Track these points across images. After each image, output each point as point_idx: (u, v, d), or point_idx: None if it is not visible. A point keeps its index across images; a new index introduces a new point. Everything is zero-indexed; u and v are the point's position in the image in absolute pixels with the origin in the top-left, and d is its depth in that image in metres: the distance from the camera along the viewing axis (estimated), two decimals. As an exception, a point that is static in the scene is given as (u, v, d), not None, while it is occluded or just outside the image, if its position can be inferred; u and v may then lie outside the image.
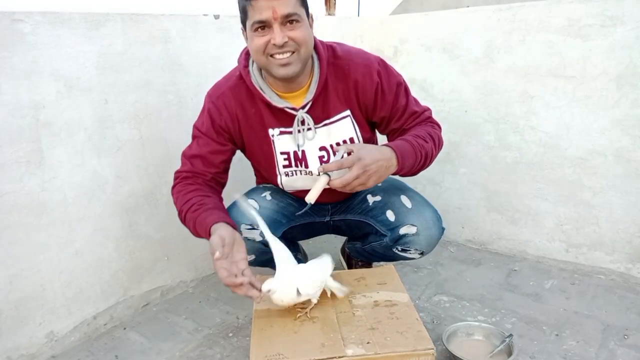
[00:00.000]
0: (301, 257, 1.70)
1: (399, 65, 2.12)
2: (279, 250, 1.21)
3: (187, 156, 1.35)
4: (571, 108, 1.73)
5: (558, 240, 1.88)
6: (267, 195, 1.47)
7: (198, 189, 1.29)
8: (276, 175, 1.40)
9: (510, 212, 1.97)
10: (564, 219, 1.85)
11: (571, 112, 1.74)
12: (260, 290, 1.12)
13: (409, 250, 1.41)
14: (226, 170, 1.39)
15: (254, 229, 1.34)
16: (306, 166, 1.36)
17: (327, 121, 1.32)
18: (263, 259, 1.38)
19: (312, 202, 1.18)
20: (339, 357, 1.03)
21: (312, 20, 1.24)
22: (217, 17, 1.72)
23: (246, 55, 1.31)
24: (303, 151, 1.34)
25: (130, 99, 1.53)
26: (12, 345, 1.36)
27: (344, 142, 1.33)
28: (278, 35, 1.14)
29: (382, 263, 1.67)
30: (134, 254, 1.63)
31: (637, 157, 1.64)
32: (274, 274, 1.18)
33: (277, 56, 1.17)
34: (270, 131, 1.32)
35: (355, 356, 1.03)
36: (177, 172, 1.35)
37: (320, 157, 1.34)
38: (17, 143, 1.30)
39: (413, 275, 1.86)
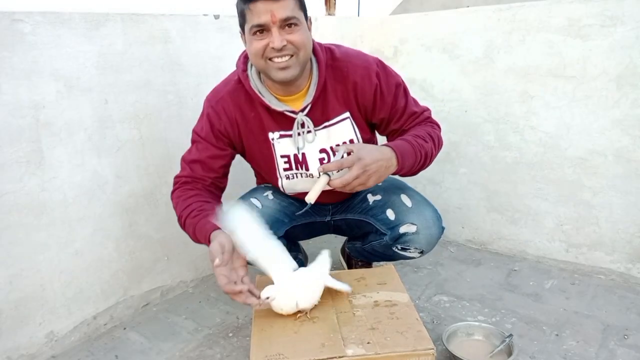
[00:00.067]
0: (302, 257, 1.70)
1: (398, 66, 2.12)
2: (273, 257, 1.19)
3: (186, 161, 1.35)
4: (571, 108, 1.73)
5: (558, 240, 1.88)
6: (269, 194, 1.47)
7: (198, 194, 1.30)
8: (277, 179, 1.40)
9: (510, 212, 1.97)
10: (564, 219, 1.84)
11: (571, 112, 1.74)
12: (259, 297, 1.13)
13: (409, 249, 1.41)
14: (225, 175, 1.39)
15: None
16: (307, 169, 1.36)
17: (326, 123, 1.32)
18: None
19: (312, 202, 1.18)
20: (339, 357, 1.03)
21: (311, 23, 1.24)
22: (217, 17, 1.72)
23: (244, 59, 1.32)
24: (303, 154, 1.34)
25: (130, 99, 1.53)
26: (12, 345, 1.36)
27: (344, 143, 1.33)
28: (277, 38, 1.14)
29: (382, 263, 1.67)
30: (134, 254, 1.63)
31: (637, 157, 1.64)
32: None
33: (276, 59, 1.17)
34: (270, 135, 1.32)
35: (355, 356, 1.03)
36: (176, 177, 1.35)
37: (321, 160, 1.34)
38: (17, 143, 1.30)
39: (413, 275, 1.86)
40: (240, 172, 1.50)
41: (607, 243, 1.77)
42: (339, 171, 1.18)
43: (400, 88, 1.34)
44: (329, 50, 1.31)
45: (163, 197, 1.67)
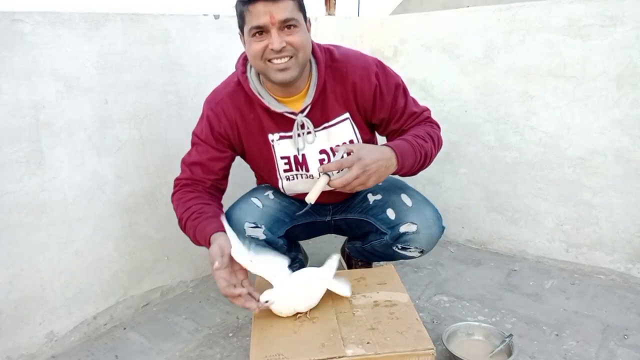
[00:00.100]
0: (302, 257, 1.70)
1: (398, 66, 2.12)
2: (265, 265, 1.19)
3: (186, 163, 1.35)
4: (571, 108, 1.73)
5: (558, 240, 1.88)
6: (269, 194, 1.47)
7: (198, 196, 1.30)
8: (277, 180, 1.40)
9: (510, 212, 1.97)
10: (564, 219, 1.84)
11: (571, 112, 1.74)
12: (258, 301, 1.13)
13: (409, 248, 1.41)
14: (226, 177, 1.39)
15: (257, 227, 1.35)
16: (307, 170, 1.36)
17: (326, 124, 1.32)
18: None
19: (312, 202, 1.18)
20: (339, 357, 1.03)
21: (310, 24, 1.24)
22: (217, 17, 1.72)
23: (244, 61, 1.32)
24: (303, 155, 1.34)
25: (130, 99, 1.53)
26: (12, 345, 1.36)
27: (344, 144, 1.33)
28: (276, 40, 1.14)
29: (382, 263, 1.67)
30: (134, 254, 1.63)
31: (637, 157, 1.64)
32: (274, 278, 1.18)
33: (275, 61, 1.17)
34: (270, 136, 1.33)
35: (355, 356, 1.03)
36: (176, 180, 1.36)
37: (321, 161, 1.34)
38: (17, 143, 1.30)
39: (413, 275, 1.86)
40: (241, 172, 1.50)
41: (607, 243, 1.77)
42: (339, 171, 1.18)
43: (399, 88, 1.34)
44: (328, 51, 1.31)
45: (163, 197, 1.67)
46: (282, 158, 1.35)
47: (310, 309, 1.19)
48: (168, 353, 1.45)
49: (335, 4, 2.27)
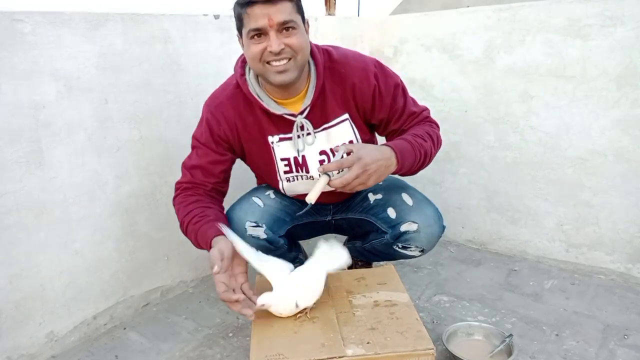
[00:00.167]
0: (302, 257, 1.70)
1: (398, 66, 2.12)
2: (269, 264, 1.20)
3: (186, 167, 1.35)
4: (571, 108, 1.73)
5: (558, 240, 1.88)
6: (270, 193, 1.47)
7: (199, 200, 1.30)
8: (277, 181, 1.40)
9: (510, 212, 1.97)
10: (564, 219, 1.84)
11: (571, 112, 1.74)
12: (256, 304, 1.14)
13: (410, 247, 1.41)
14: (226, 180, 1.39)
15: (258, 226, 1.35)
16: (307, 171, 1.36)
17: (326, 125, 1.32)
18: None
19: (313, 202, 1.18)
20: (339, 357, 1.03)
21: (308, 25, 1.25)
22: (217, 17, 1.72)
23: (242, 63, 1.32)
24: (303, 156, 1.34)
25: (130, 99, 1.53)
26: (12, 345, 1.36)
27: (344, 144, 1.33)
28: (274, 42, 1.14)
29: (382, 263, 1.67)
30: (134, 254, 1.63)
31: (637, 157, 1.64)
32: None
33: (274, 63, 1.17)
34: (270, 138, 1.33)
35: (355, 356, 1.03)
36: (177, 183, 1.36)
37: (321, 162, 1.34)
38: (17, 143, 1.30)
39: (413, 275, 1.86)
40: (241, 173, 1.50)
41: (607, 243, 1.77)
42: (339, 171, 1.18)
43: (398, 88, 1.34)
44: (327, 52, 1.31)
45: (163, 197, 1.67)
46: (282, 160, 1.36)
47: (311, 309, 1.19)
48: (168, 353, 1.45)
49: (335, 4, 2.27)
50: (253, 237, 1.33)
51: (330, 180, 1.17)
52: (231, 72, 1.36)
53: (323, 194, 1.20)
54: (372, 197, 1.48)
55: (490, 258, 1.99)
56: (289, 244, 1.50)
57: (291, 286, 1.17)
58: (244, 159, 1.44)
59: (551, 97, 1.76)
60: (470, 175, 2.05)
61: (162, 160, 1.65)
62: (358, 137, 1.35)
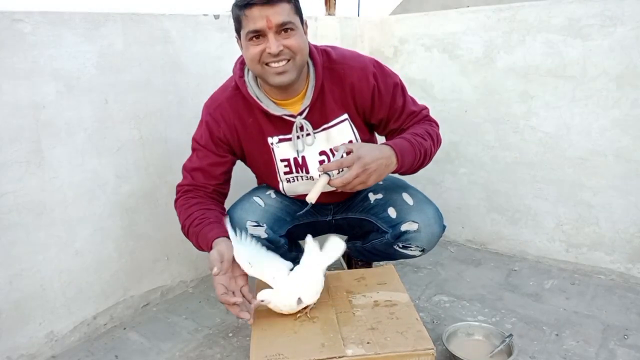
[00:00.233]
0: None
1: (398, 66, 2.12)
2: (261, 271, 1.19)
3: (187, 169, 1.35)
4: (571, 108, 1.73)
5: (558, 240, 1.88)
6: (271, 193, 1.47)
7: (200, 202, 1.30)
8: (278, 182, 1.41)
9: (510, 212, 1.97)
10: (564, 219, 1.84)
11: (571, 112, 1.74)
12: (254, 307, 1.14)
13: (410, 247, 1.41)
14: (227, 181, 1.40)
15: (259, 225, 1.35)
16: (307, 172, 1.36)
17: (325, 126, 1.32)
18: None
19: (313, 202, 1.18)
20: (339, 357, 1.03)
21: (307, 26, 1.25)
22: (217, 17, 1.72)
23: (241, 65, 1.32)
24: (303, 157, 1.34)
25: (130, 99, 1.53)
26: (12, 345, 1.36)
27: (343, 144, 1.33)
28: (273, 44, 1.14)
29: (382, 263, 1.67)
30: (134, 254, 1.63)
31: (637, 157, 1.64)
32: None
33: (273, 64, 1.17)
34: (270, 139, 1.33)
35: (355, 356, 1.03)
36: (178, 186, 1.36)
37: (321, 162, 1.34)
38: (17, 143, 1.30)
39: (413, 275, 1.86)
40: (241, 173, 1.50)
41: (607, 243, 1.77)
42: (339, 171, 1.18)
43: (397, 88, 1.34)
44: (325, 52, 1.31)
45: (163, 197, 1.67)
46: (282, 160, 1.36)
47: (311, 309, 1.19)
48: (168, 353, 1.45)
49: (335, 4, 2.27)
50: (254, 236, 1.33)
51: (330, 179, 1.17)
52: (231, 72, 1.36)
53: (323, 194, 1.20)
54: (372, 197, 1.48)
55: (490, 258, 1.99)
56: (289, 244, 1.50)
57: (291, 283, 1.17)
58: (244, 161, 1.44)
59: (551, 97, 1.76)
60: (470, 175, 2.05)
61: (162, 160, 1.65)
62: (357, 137, 1.35)
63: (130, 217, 1.60)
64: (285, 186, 1.41)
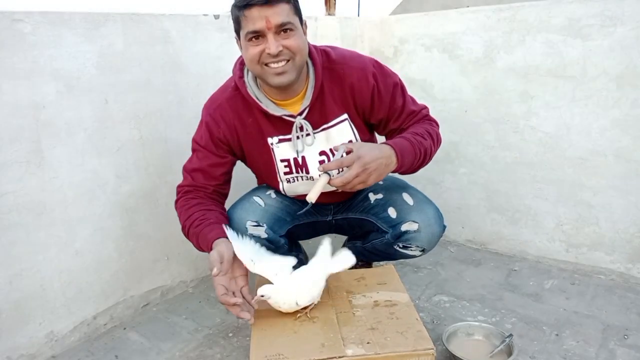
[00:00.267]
0: (302, 257, 1.70)
1: (398, 66, 2.12)
2: (265, 268, 1.20)
3: (187, 170, 1.35)
4: (571, 108, 1.73)
5: (558, 240, 1.88)
6: (271, 193, 1.47)
7: (200, 203, 1.30)
8: (278, 182, 1.41)
9: (510, 212, 1.97)
10: (564, 219, 1.84)
11: (571, 112, 1.74)
12: (256, 307, 1.15)
13: (411, 247, 1.41)
14: (227, 182, 1.40)
15: (259, 225, 1.35)
16: (307, 172, 1.36)
17: (325, 126, 1.32)
18: None
19: (313, 201, 1.18)
20: (339, 357, 1.03)
21: (306, 27, 1.25)
22: (217, 17, 1.72)
23: (240, 65, 1.32)
24: (303, 157, 1.34)
25: (130, 99, 1.53)
26: (12, 345, 1.36)
27: (343, 144, 1.33)
28: (272, 44, 1.14)
29: (382, 263, 1.67)
30: (134, 254, 1.63)
31: (637, 157, 1.64)
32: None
33: (272, 65, 1.17)
34: (269, 140, 1.33)
35: (355, 356, 1.03)
36: (179, 187, 1.36)
37: (321, 162, 1.34)
38: (17, 143, 1.30)
39: (413, 275, 1.86)
40: (241, 173, 1.50)
41: (607, 243, 1.77)
42: (339, 171, 1.18)
43: (397, 87, 1.34)
44: (325, 52, 1.31)
45: (163, 197, 1.67)
46: (282, 161, 1.36)
47: (311, 309, 1.19)
48: (168, 353, 1.45)
49: (335, 4, 2.27)
50: (254, 236, 1.33)
51: (330, 179, 1.17)
52: (231, 72, 1.36)
53: (323, 194, 1.20)
54: (372, 197, 1.48)
55: (490, 258, 1.99)
56: (289, 244, 1.50)
57: (293, 281, 1.17)
58: (244, 161, 1.44)
59: (551, 97, 1.76)
60: (470, 175, 2.05)
61: (162, 160, 1.65)
62: (357, 137, 1.35)
63: (130, 217, 1.60)
64: (285, 186, 1.41)
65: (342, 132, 1.33)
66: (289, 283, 1.16)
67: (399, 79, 1.36)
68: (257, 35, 1.15)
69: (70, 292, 1.48)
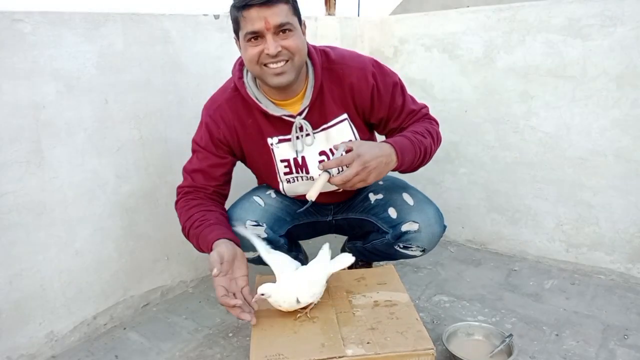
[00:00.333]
0: (302, 257, 1.70)
1: (398, 66, 2.12)
2: (276, 260, 1.22)
3: (187, 171, 1.36)
4: (571, 108, 1.73)
5: (558, 240, 1.88)
6: (271, 193, 1.48)
7: (200, 203, 1.30)
8: (278, 183, 1.41)
9: (510, 212, 1.97)
10: (564, 219, 1.84)
11: (571, 112, 1.74)
12: (256, 307, 1.15)
13: (411, 247, 1.41)
14: (227, 182, 1.40)
15: (259, 225, 1.35)
16: (307, 172, 1.36)
17: (325, 126, 1.32)
18: None
19: (313, 199, 1.18)
20: (339, 357, 1.03)
21: (305, 27, 1.25)
22: (217, 17, 1.72)
23: (240, 66, 1.32)
24: (303, 157, 1.34)
25: (130, 99, 1.53)
26: (12, 345, 1.36)
27: (343, 143, 1.33)
28: (271, 45, 1.14)
29: (382, 263, 1.67)
30: (134, 254, 1.63)
31: (637, 157, 1.64)
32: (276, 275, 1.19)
33: (271, 65, 1.17)
34: (269, 140, 1.33)
35: (355, 356, 1.03)
36: (179, 188, 1.36)
37: (321, 162, 1.34)
38: (17, 143, 1.30)
39: (413, 275, 1.86)
40: (241, 173, 1.50)
41: (607, 243, 1.77)
42: (339, 170, 1.18)
43: (397, 87, 1.34)
44: (324, 52, 1.32)
45: (163, 197, 1.67)
46: (282, 161, 1.36)
47: (311, 309, 1.19)
48: (168, 353, 1.45)
49: (335, 4, 2.27)
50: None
51: (330, 177, 1.17)
52: (231, 72, 1.36)
53: (324, 194, 1.20)
54: (372, 197, 1.48)
55: (490, 258, 1.99)
56: (289, 243, 1.50)
57: (294, 280, 1.17)
58: (244, 162, 1.44)
59: (551, 97, 1.76)
60: (470, 175, 2.05)
61: (162, 160, 1.65)
62: (357, 136, 1.35)
63: (130, 217, 1.60)
64: (285, 186, 1.41)
65: (341, 132, 1.33)
66: (290, 281, 1.16)
67: (399, 79, 1.36)
68: (256, 35, 1.15)
69: (70, 292, 1.48)
